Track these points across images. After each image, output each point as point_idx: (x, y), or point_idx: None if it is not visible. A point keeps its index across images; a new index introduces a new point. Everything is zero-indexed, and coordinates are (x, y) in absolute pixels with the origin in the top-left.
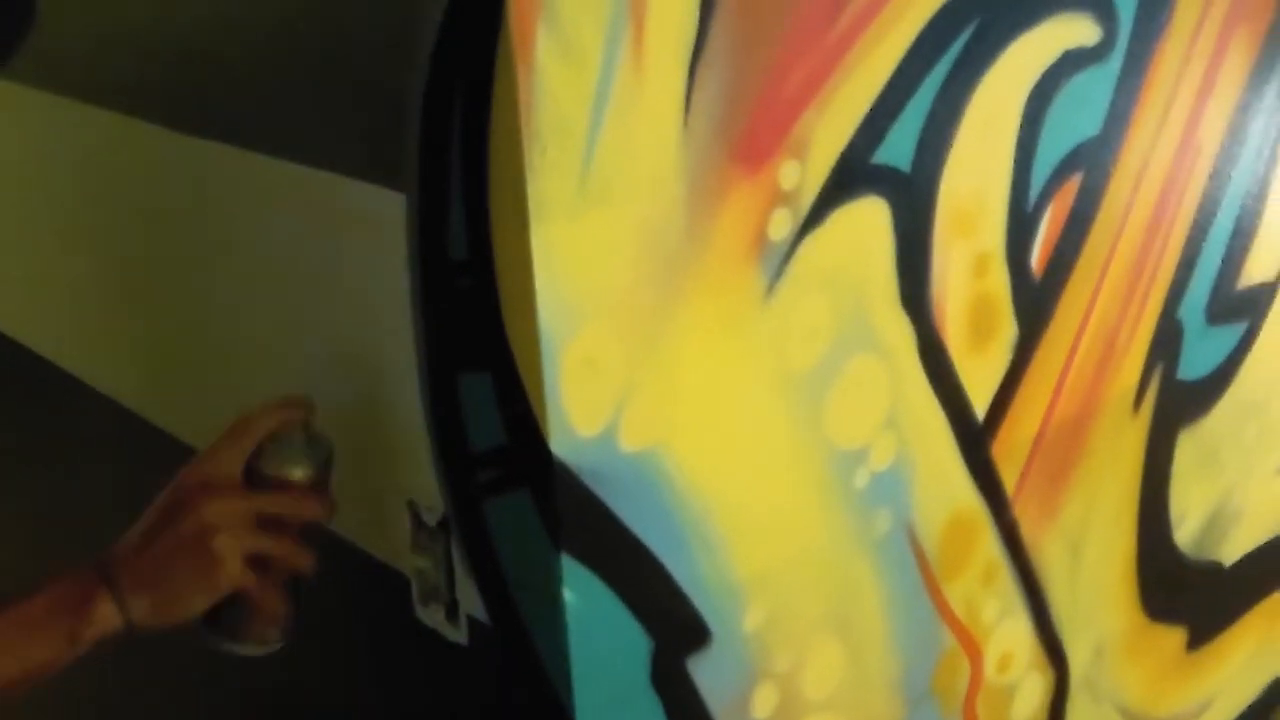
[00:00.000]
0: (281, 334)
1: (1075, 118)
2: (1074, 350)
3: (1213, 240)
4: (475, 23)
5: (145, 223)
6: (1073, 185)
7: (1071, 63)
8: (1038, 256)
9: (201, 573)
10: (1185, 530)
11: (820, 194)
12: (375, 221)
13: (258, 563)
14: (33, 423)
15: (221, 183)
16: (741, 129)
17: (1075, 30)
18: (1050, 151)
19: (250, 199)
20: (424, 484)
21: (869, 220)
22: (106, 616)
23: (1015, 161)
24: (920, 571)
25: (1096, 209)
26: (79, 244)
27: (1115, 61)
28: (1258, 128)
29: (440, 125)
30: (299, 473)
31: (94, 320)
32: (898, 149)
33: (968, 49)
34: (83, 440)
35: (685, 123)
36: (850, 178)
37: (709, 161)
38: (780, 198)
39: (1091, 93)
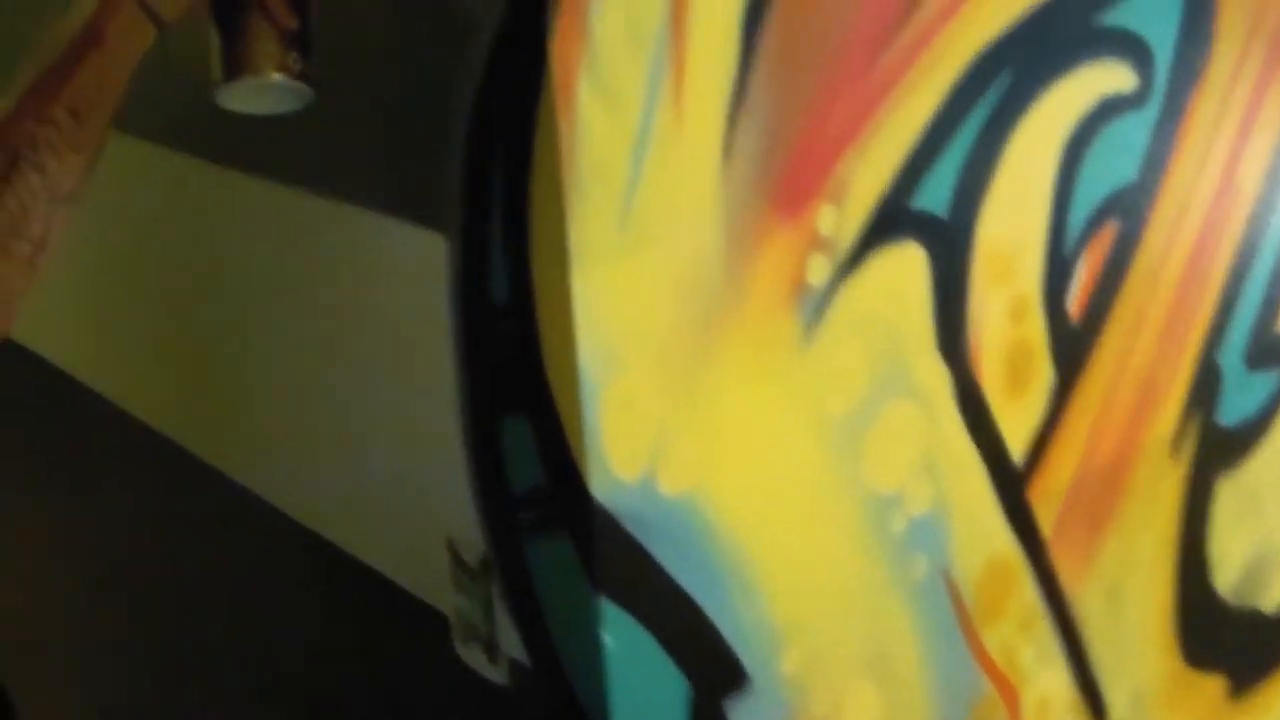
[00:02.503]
0: (320, 370)
1: (1113, 163)
2: (1111, 395)
3: (1252, 284)
4: (518, 68)
5: (184, 253)
6: (1110, 230)
7: (1109, 109)
8: (1075, 301)
9: None
10: (1225, 576)
11: (858, 239)
12: (416, 262)
13: None
14: (59, 441)
15: (264, 217)
16: (780, 173)
17: (1112, 77)
18: (1088, 197)
19: (292, 235)
20: (464, 523)
21: (906, 265)
22: (128, 13)
23: (1053, 207)
24: (957, 616)
25: (1134, 253)
26: (115, 268)
27: (1153, 107)
28: None
29: (482, 168)
30: None
31: (128, 344)
32: (935, 194)
33: (1005, 95)
34: (109, 459)
35: (724, 167)
36: (888, 223)
37: (747, 206)
38: (818, 242)
39: (1129, 138)
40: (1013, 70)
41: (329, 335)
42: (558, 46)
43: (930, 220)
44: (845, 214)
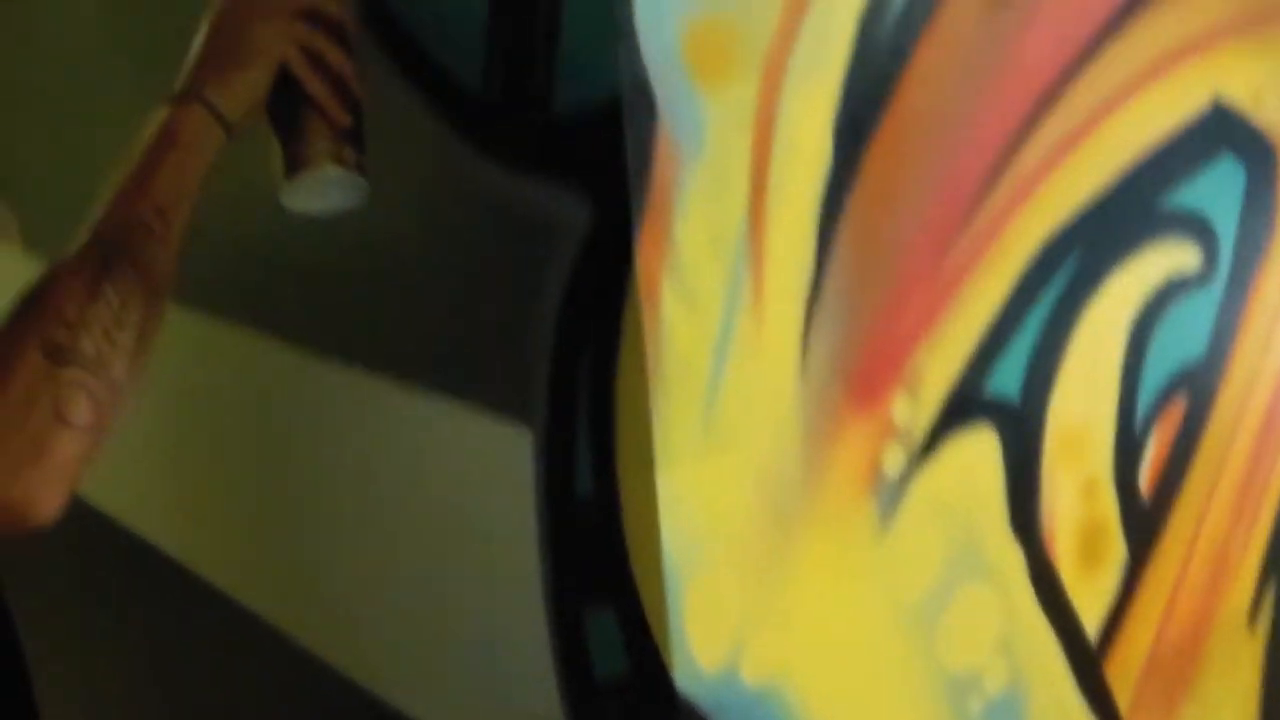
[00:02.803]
0: (405, 559)
1: (1180, 341)
2: (1185, 569)
3: None
4: (604, 271)
5: (268, 433)
6: (1179, 406)
7: (1175, 288)
8: (1146, 478)
9: (255, 44)
10: None
11: (932, 427)
12: (502, 454)
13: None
14: (135, 607)
15: (347, 402)
16: (856, 367)
17: (1177, 256)
18: (1156, 374)
19: (377, 422)
20: (548, 711)
21: (979, 450)
22: (198, 116)
23: (1122, 386)
24: None
25: (1204, 429)
26: (196, 442)
27: (1218, 284)
28: None
29: (569, 365)
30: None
31: (211, 517)
32: (1006, 379)
33: (1072, 279)
34: (186, 627)
35: (802, 365)
36: (961, 410)
37: (825, 399)
38: (893, 432)
39: (1196, 316)
40: (1079, 255)
41: (413, 518)
42: (643, 252)
43: (1002, 405)
44: (919, 403)
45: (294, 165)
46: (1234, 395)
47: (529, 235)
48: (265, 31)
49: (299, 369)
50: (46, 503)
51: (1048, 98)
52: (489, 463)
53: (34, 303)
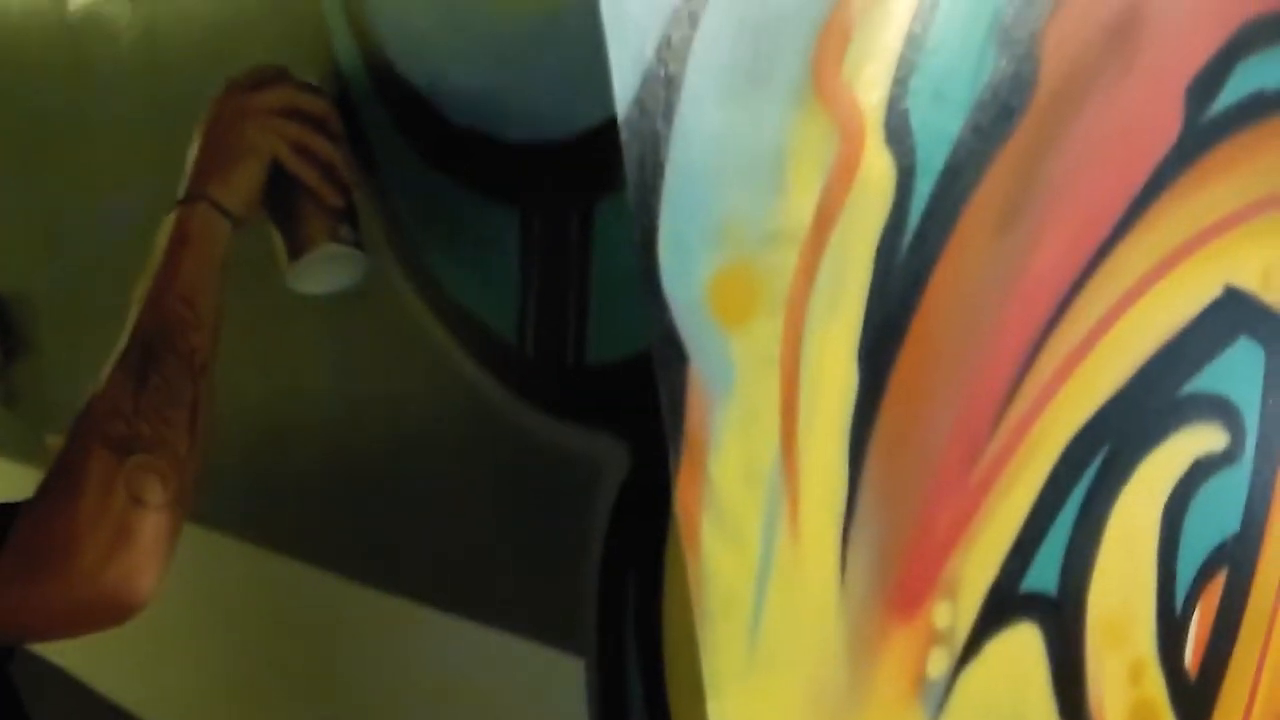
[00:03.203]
0: None
1: (1213, 518)
2: None
3: None
4: (645, 512)
5: (314, 666)
6: (1218, 583)
7: (1204, 468)
8: (1191, 656)
9: (245, 143)
10: None
11: (973, 628)
12: (551, 685)
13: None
14: None
15: (397, 634)
16: (895, 578)
17: (1204, 438)
18: (1192, 554)
19: (420, 650)
20: None
21: (1022, 646)
22: (203, 213)
23: (1159, 568)
24: None
25: (1245, 601)
26: (244, 665)
27: (1246, 460)
28: None
29: (616, 597)
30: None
31: None
32: (1044, 575)
33: (1101, 472)
34: None
35: (842, 583)
36: (1001, 609)
37: (866, 613)
38: (936, 637)
39: (1227, 493)
40: (1107, 448)
41: None
42: (680, 492)
43: (1042, 599)
44: (959, 607)
45: (295, 249)
46: (1274, 563)
47: (570, 470)
48: (253, 129)
49: (346, 597)
50: (141, 585)
51: (1064, 303)
52: (541, 693)
53: (90, 408)
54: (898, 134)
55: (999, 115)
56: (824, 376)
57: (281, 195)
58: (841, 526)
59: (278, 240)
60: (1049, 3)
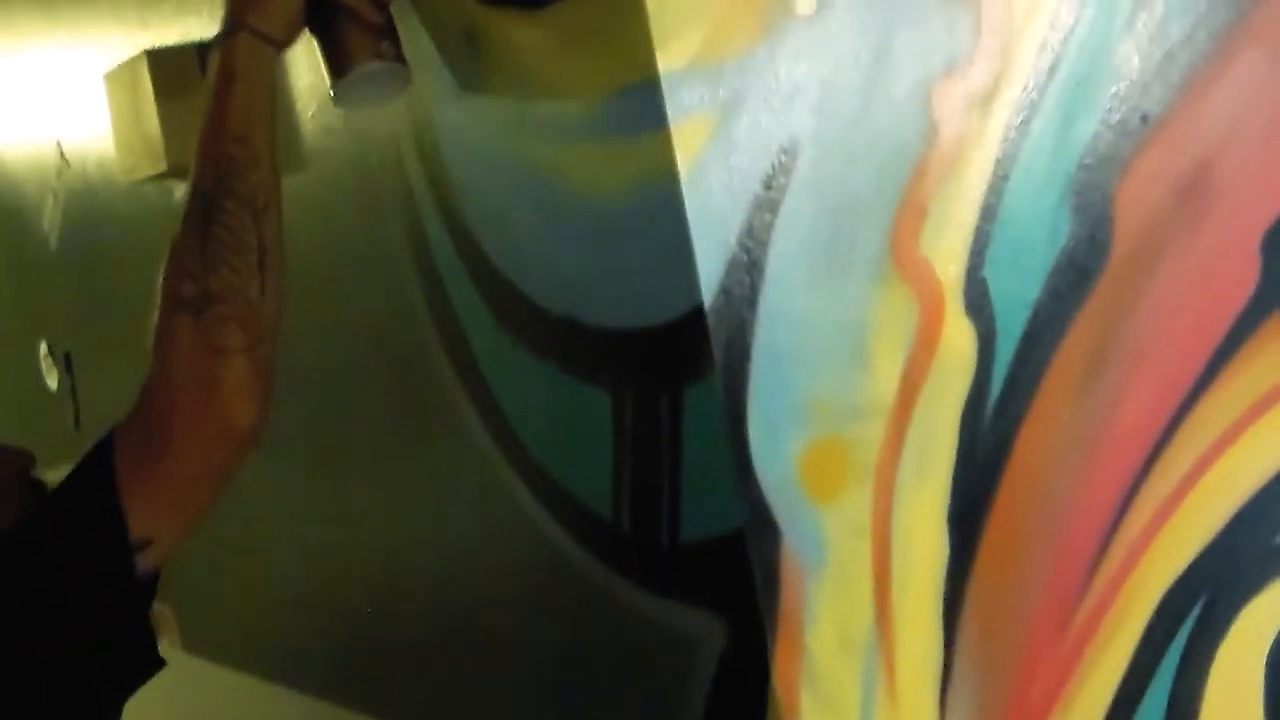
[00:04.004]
0: None
1: None
2: None
3: None
4: (743, 685)
5: None
6: None
7: None
8: None
9: None
10: None
11: None
12: None
13: None
14: None
15: None
16: None
17: None
18: None
19: None
20: None
21: None
22: (246, 43)
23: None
24: None
25: None
26: None
27: None
28: None
29: None
30: None
31: None
32: None
33: (1198, 626)
34: None
35: None
36: None
37: None
38: None
39: None
40: (1203, 600)
41: None
42: (778, 664)
43: None
44: None
45: (338, 68)
46: None
47: (670, 644)
48: None
49: None
50: (240, 421)
51: (1151, 456)
52: None
53: (165, 276)
54: (977, 303)
55: (1076, 279)
56: (915, 543)
57: (321, 15)
58: (939, 691)
59: (321, 57)
60: (1120, 165)
